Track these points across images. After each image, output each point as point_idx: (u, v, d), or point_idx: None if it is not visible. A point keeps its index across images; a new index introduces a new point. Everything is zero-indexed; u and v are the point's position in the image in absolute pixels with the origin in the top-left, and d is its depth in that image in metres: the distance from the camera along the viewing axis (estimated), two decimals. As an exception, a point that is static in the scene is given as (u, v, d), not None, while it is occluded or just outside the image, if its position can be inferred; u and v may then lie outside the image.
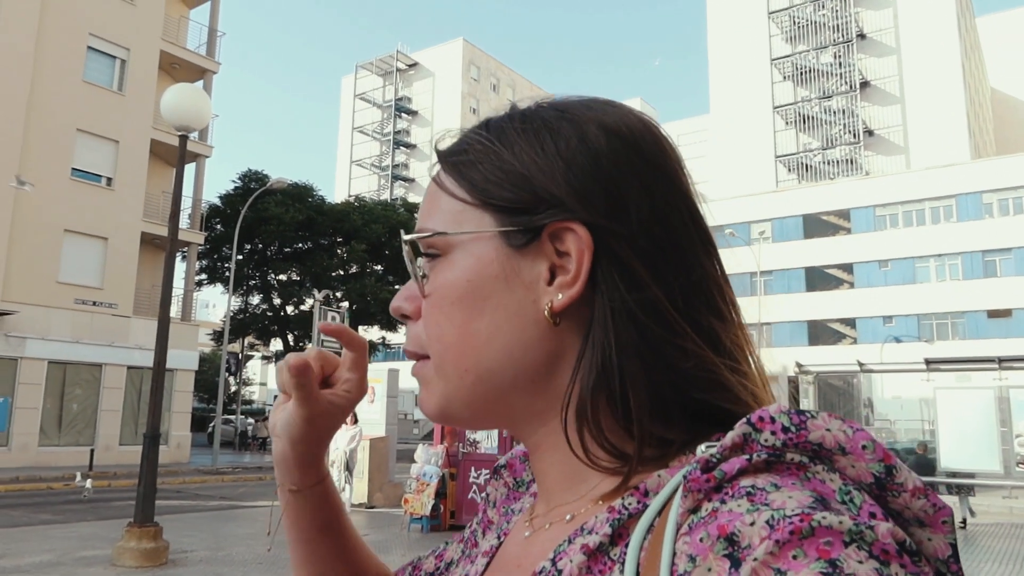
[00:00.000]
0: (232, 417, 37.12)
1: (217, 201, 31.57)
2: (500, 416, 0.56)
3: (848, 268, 43.21)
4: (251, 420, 36.55)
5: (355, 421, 14.40)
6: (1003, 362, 16.06)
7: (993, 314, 39.30)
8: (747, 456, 0.42)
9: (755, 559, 0.37)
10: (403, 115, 74.13)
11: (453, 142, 0.59)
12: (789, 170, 55.82)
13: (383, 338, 35.78)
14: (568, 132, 0.54)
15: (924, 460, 14.68)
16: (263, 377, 68.99)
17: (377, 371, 15.88)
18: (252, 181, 31.52)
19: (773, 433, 0.43)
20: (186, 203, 23.65)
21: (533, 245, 0.53)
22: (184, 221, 24.10)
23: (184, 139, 9.10)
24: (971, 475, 14.69)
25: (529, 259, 0.53)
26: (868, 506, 0.40)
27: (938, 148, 49.43)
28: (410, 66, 74.04)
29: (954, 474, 14.22)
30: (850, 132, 54.23)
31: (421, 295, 0.57)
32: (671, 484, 0.46)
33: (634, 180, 0.53)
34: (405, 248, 0.57)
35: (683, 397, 0.51)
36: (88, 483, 14.99)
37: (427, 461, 11.94)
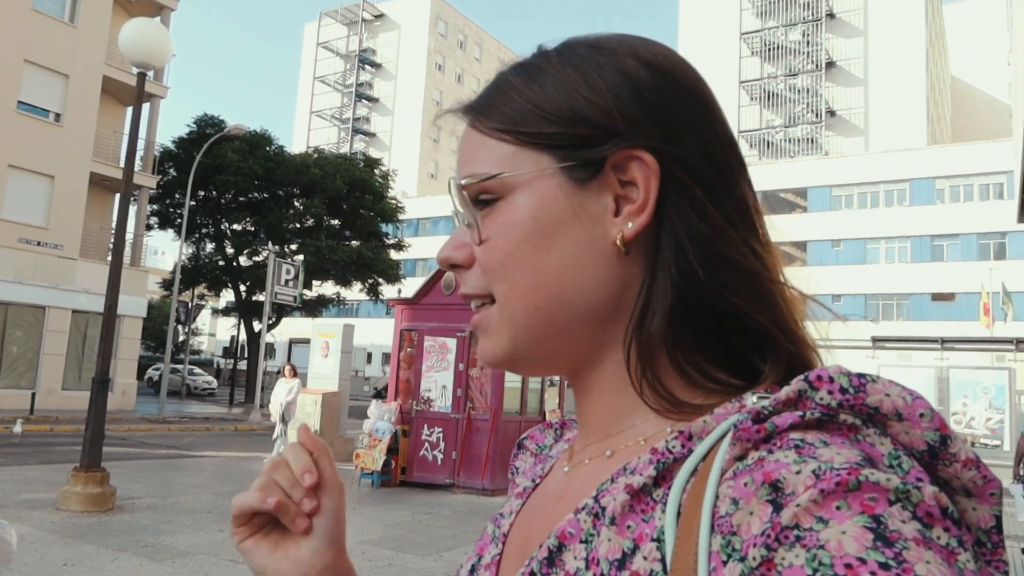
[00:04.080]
0: (179, 367, 36.45)
1: (171, 145, 30.59)
2: (564, 355, 0.56)
3: (802, 246, 44.01)
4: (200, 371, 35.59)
5: (294, 374, 14.27)
6: (945, 343, 16.63)
7: (937, 297, 40.55)
8: (800, 413, 0.42)
9: (798, 505, 0.37)
10: (367, 67, 72.47)
11: (485, 91, 0.58)
12: (751, 146, 56.31)
13: (337, 293, 35.33)
14: (608, 66, 0.54)
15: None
16: (212, 328, 67.79)
17: (332, 326, 15.70)
18: (208, 126, 30.53)
19: (830, 393, 0.42)
20: (139, 144, 22.90)
21: (597, 178, 0.53)
22: (136, 163, 23.35)
23: (143, 77, 8.74)
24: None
25: (593, 192, 0.53)
26: (916, 472, 0.39)
27: (896, 132, 50.31)
28: (376, 16, 72.21)
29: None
30: (812, 112, 54.83)
31: (476, 241, 0.56)
32: (718, 431, 0.47)
33: (680, 109, 0.53)
34: (454, 195, 0.56)
35: (742, 327, 0.52)
36: (18, 427, 14.49)
37: (380, 417, 11.91)
